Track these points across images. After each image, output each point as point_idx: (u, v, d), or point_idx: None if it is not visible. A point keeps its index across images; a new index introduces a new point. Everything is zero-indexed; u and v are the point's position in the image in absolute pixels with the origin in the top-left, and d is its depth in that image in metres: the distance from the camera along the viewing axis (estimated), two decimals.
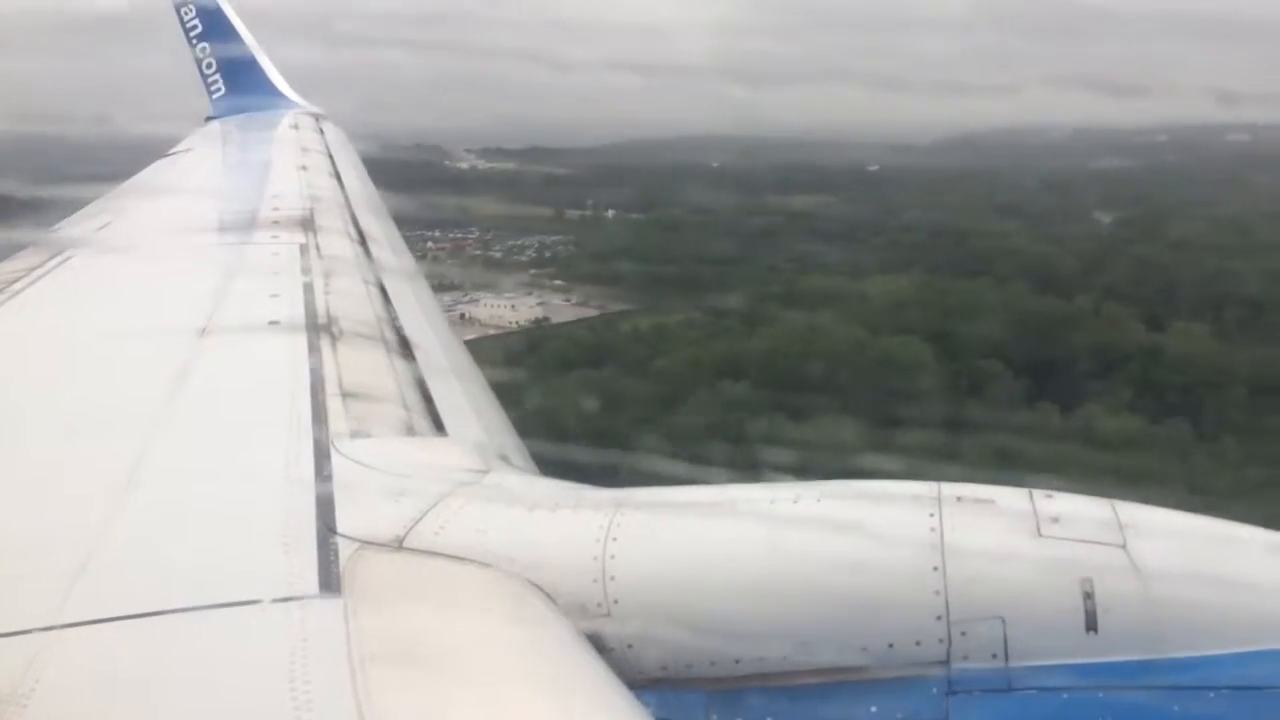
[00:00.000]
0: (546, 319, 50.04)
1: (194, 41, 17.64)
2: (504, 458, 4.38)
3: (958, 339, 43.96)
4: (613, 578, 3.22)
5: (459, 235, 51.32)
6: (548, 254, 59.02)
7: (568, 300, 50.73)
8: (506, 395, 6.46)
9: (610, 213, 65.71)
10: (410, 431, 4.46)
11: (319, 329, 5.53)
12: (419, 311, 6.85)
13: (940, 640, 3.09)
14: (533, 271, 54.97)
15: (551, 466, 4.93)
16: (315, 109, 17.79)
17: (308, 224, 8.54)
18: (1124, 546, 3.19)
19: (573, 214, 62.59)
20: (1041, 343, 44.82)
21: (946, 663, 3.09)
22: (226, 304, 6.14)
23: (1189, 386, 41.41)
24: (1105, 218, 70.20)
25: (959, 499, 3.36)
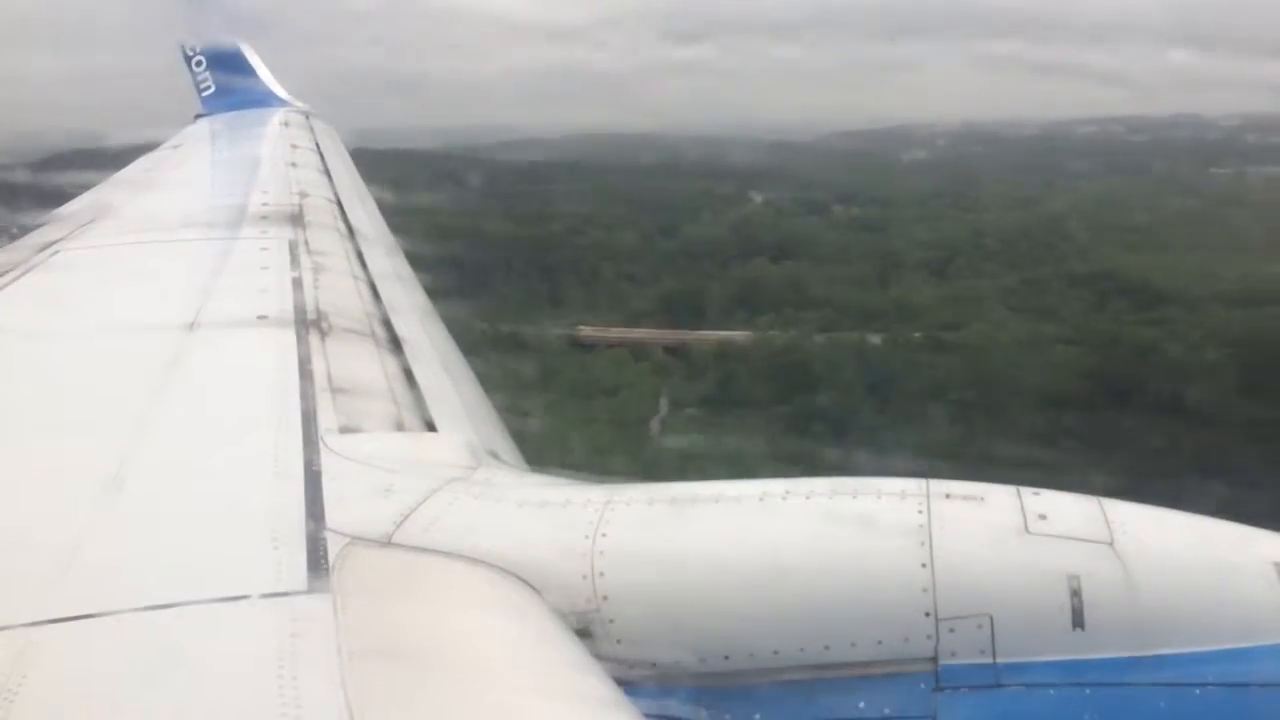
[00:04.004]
0: None
1: (189, 51, 17.62)
2: (493, 454, 4.38)
3: None
4: (602, 574, 3.22)
5: None
6: None
7: None
8: None
9: None
10: (400, 427, 4.46)
11: (308, 324, 5.52)
12: (409, 307, 6.84)
13: (928, 637, 3.11)
14: None
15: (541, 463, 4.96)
16: (305, 106, 17.76)
17: (297, 220, 8.52)
18: (1111, 544, 3.20)
19: None
20: None
21: (934, 659, 3.10)
22: (215, 299, 6.11)
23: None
24: (757, 197, 76.52)
25: (947, 496, 3.37)
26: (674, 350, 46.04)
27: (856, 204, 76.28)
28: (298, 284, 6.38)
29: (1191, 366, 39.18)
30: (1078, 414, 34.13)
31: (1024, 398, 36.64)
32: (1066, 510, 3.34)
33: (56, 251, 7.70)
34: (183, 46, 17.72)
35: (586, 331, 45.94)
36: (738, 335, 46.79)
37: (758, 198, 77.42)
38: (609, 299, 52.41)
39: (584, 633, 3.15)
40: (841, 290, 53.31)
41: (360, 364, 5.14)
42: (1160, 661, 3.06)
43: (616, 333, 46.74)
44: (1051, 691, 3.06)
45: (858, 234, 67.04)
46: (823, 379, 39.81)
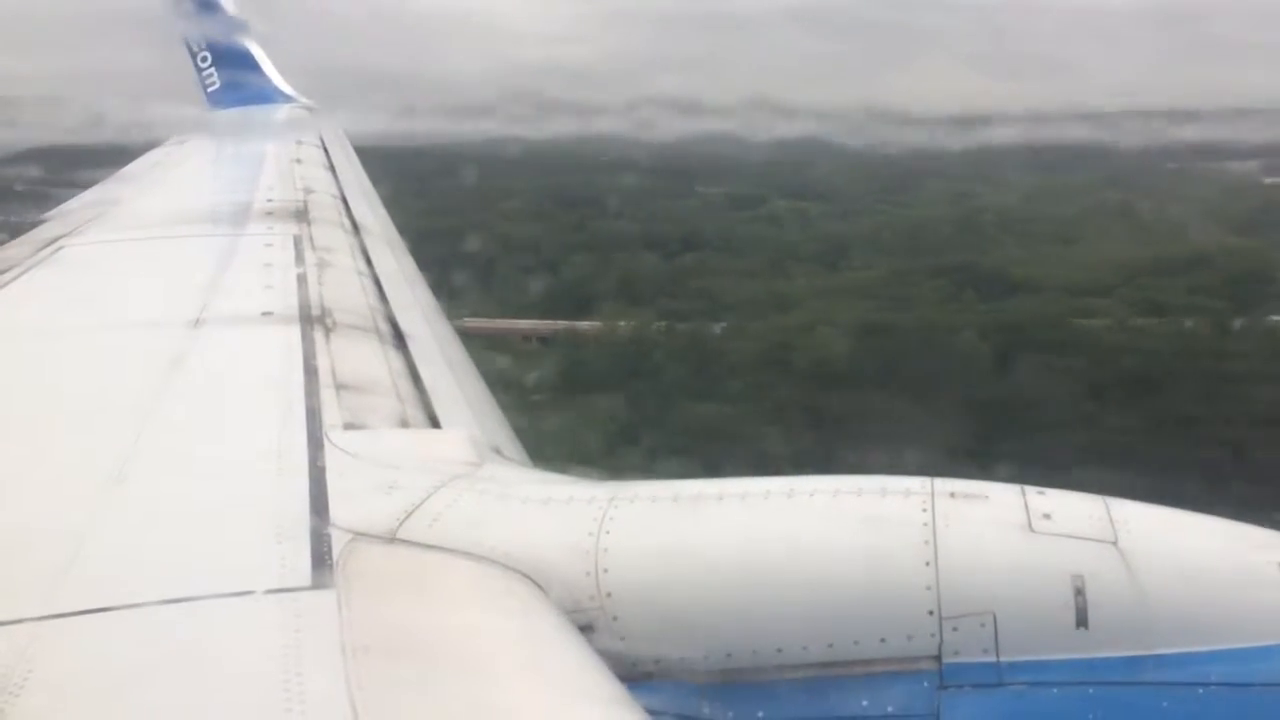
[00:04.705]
0: None
1: (194, 48, 17.64)
2: (497, 450, 4.38)
3: None
4: (605, 570, 3.22)
5: None
6: None
7: None
8: None
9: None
10: (404, 423, 4.46)
11: (313, 321, 5.53)
12: (413, 303, 6.84)
13: (932, 635, 3.10)
14: None
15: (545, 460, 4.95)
16: (310, 102, 17.78)
17: (302, 216, 8.53)
18: (1115, 543, 3.20)
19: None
20: None
21: (938, 657, 3.10)
22: (220, 295, 6.12)
23: None
24: (713, 188, 79.05)
25: (952, 494, 3.37)
26: (546, 340, 47.98)
27: (801, 199, 78.31)
28: (302, 280, 6.39)
29: (968, 351, 43.87)
30: (850, 395, 37.87)
31: (804, 381, 40.40)
32: (1071, 509, 3.34)
33: (61, 247, 7.72)
34: (188, 42, 17.74)
35: (473, 323, 47.51)
36: (601, 326, 49.30)
37: (705, 192, 79.29)
38: (506, 291, 54.51)
39: (587, 629, 3.15)
40: (720, 282, 56.20)
41: (365, 360, 5.14)
42: (1164, 661, 3.06)
43: (501, 324, 48.14)
44: (1054, 690, 3.06)
45: (771, 228, 69.76)
46: (655, 367, 42.98)
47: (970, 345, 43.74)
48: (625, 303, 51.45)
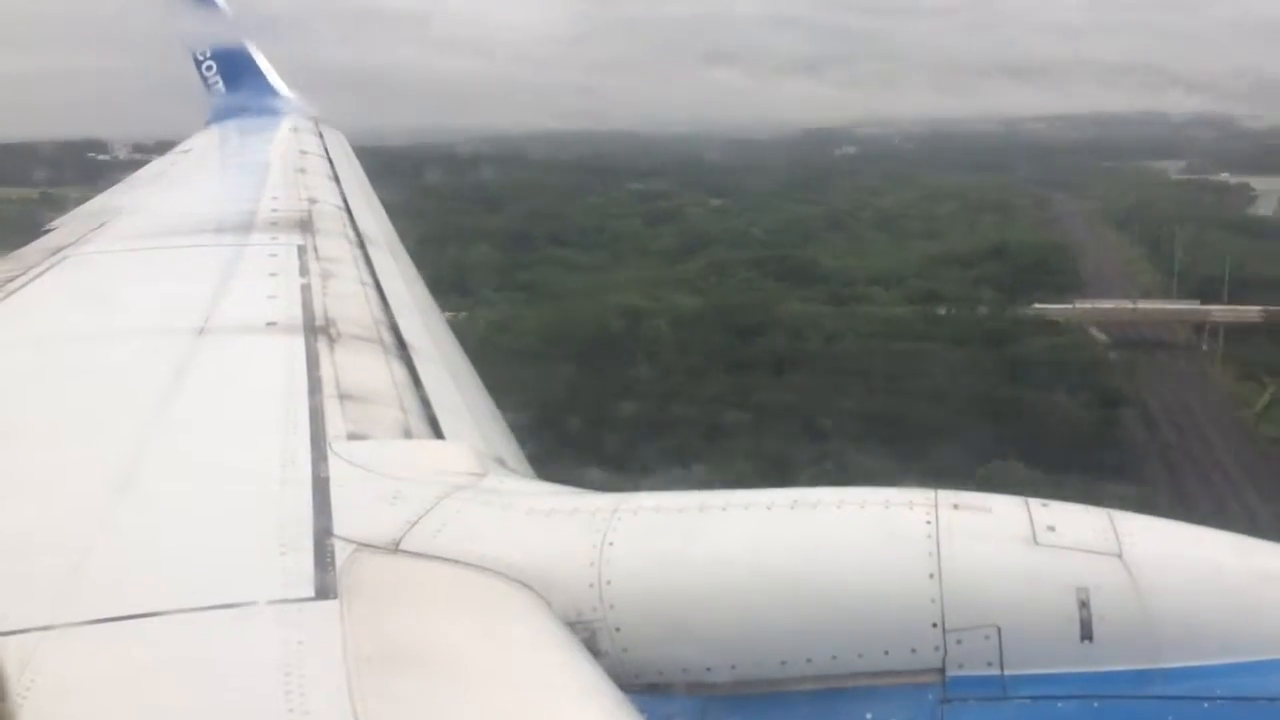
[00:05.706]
0: None
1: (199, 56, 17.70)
2: (500, 461, 4.38)
3: None
4: (608, 582, 3.21)
5: None
6: None
7: None
8: None
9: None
10: (407, 434, 4.46)
11: (317, 331, 5.54)
12: (416, 314, 6.85)
13: (936, 648, 3.10)
14: None
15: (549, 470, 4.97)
16: (314, 111, 17.82)
17: (306, 226, 8.54)
18: (1120, 555, 3.19)
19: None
20: None
21: (942, 670, 3.09)
22: (224, 305, 6.13)
23: None
24: (638, 184, 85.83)
25: (956, 507, 3.36)
26: None
27: (720, 196, 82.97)
28: (306, 290, 6.40)
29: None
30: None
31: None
32: (1075, 521, 3.33)
33: (66, 256, 7.73)
34: (192, 51, 17.79)
35: None
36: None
37: (633, 189, 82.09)
38: None
39: (590, 641, 3.15)
40: (551, 273, 61.15)
41: (368, 371, 5.15)
42: (1169, 674, 3.05)
43: None
44: (1059, 704, 3.05)
45: (647, 225, 74.20)
46: None
47: (656, 330, 49.62)
48: (455, 295, 53.98)
